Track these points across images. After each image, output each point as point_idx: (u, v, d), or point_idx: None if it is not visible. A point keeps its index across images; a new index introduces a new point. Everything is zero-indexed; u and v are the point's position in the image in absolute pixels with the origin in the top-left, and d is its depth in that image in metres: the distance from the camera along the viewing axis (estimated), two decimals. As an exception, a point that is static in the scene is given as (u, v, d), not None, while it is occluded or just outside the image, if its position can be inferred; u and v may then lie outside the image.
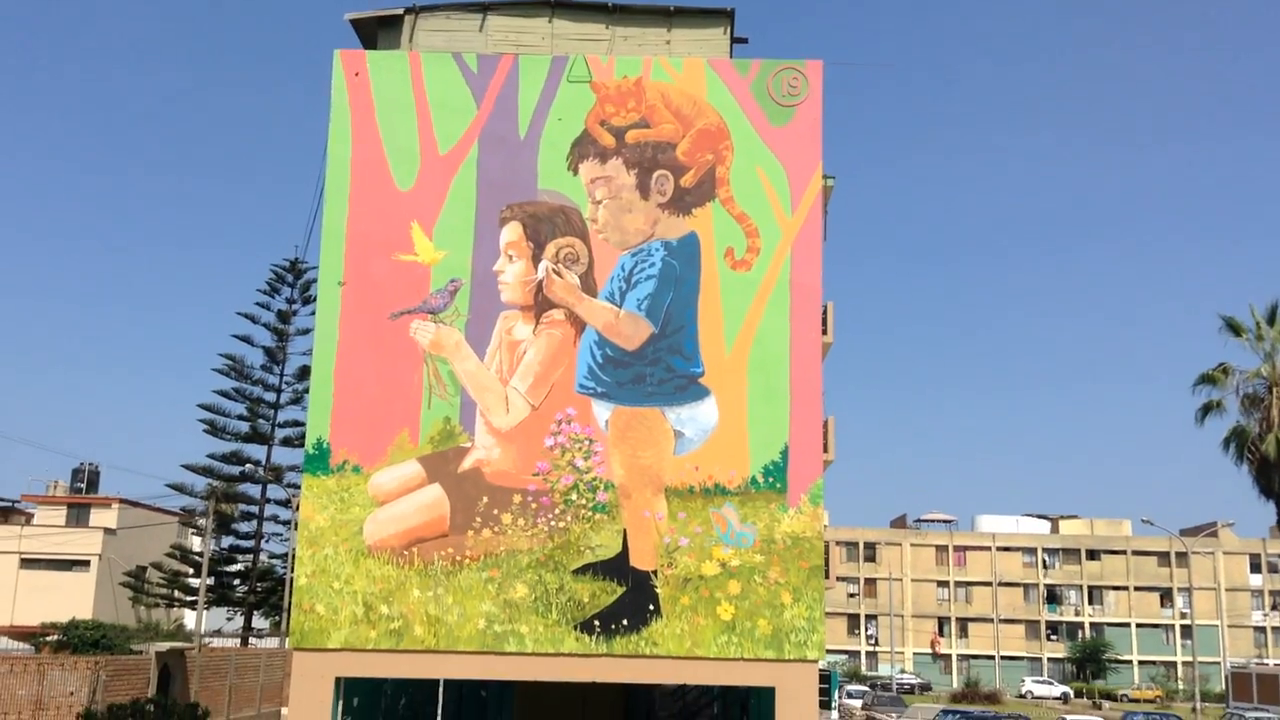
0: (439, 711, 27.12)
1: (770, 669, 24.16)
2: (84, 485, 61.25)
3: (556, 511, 24.69)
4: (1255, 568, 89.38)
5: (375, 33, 27.86)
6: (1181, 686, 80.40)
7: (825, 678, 32.08)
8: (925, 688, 79.93)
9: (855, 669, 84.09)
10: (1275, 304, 34.02)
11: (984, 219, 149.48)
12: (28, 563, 54.77)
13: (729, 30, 27.73)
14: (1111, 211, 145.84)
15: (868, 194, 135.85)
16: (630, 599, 24.31)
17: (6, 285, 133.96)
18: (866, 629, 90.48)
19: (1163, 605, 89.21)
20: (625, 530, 24.66)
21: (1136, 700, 75.71)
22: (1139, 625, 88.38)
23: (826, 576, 25.19)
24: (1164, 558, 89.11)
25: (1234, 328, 34.00)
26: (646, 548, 24.55)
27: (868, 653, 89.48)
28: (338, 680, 24.20)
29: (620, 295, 25.45)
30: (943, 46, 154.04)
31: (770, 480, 24.84)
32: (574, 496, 24.75)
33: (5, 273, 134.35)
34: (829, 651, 67.88)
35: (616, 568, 24.48)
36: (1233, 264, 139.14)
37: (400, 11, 27.52)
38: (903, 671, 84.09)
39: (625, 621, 24.18)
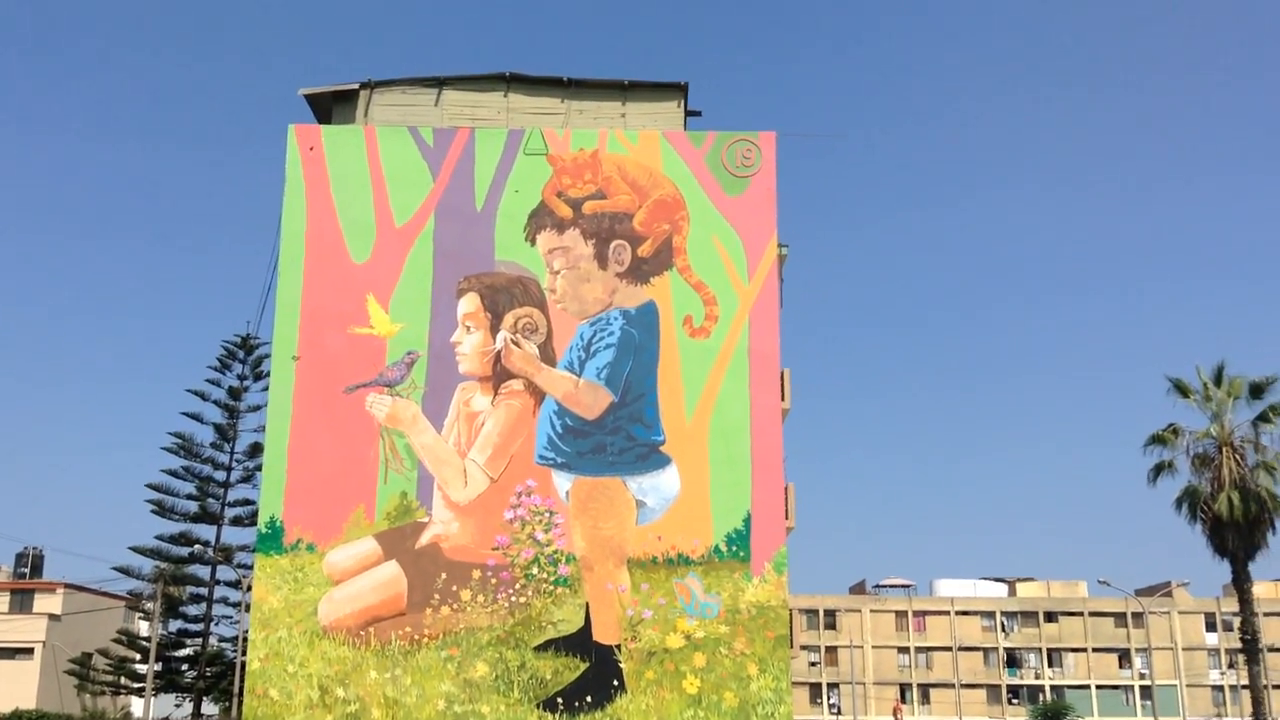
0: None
1: (738, 743, 23.74)
2: (27, 570, 59.52)
3: (517, 586, 24.31)
4: (1211, 626, 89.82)
5: (330, 107, 27.93)
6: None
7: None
8: (889, 756, 79.11)
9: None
10: (1221, 365, 34.48)
11: (936, 284, 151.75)
12: (-32, 651, 52.97)
13: (683, 103, 28.12)
14: (1062, 274, 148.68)
15: (822, 261, 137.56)
16: (594, 674, 23.89)
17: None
18: (829, 698, 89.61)
19: (1121, 666, 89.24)
20: (588, 604, 24.30)
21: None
22: (1099, 687, 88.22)
23: (791, 646, 24.95)
24: (1121, 618, 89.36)
25: (1181, 389, 34.38)
26: (610, 621, 24.19)
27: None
28: (293, 767, 23.44)
29: (579, 364, 25.38)
30: (893, 115, 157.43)
31: (734, 549, 24.66)
32: (535, 570, 24.41)
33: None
34: (792, 722, 67.02)
35: (579, 643, 24.08)
36: (1179, 325, 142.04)
37: (355, 86, 27.63)
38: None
39: (589, 698, 23.73)
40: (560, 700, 23.71)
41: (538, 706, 23.69)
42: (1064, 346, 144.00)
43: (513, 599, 24.23)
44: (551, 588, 24.35)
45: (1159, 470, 34.09)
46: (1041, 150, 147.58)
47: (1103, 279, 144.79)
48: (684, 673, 23.96)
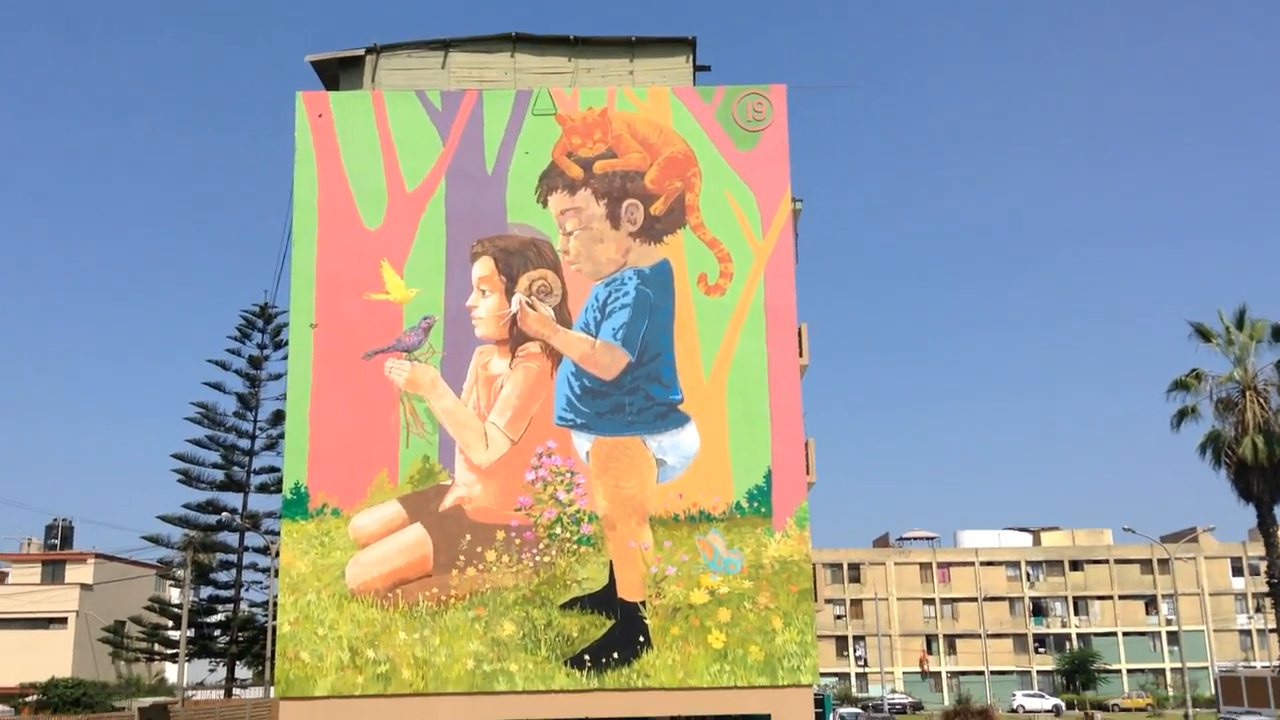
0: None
1: (764, 696, 23.96)
2: (58, 541, 60.36)
3: (541, 546, 24.47)
4: (1237, 571, 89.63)
5: (337, 74, 27.80)
6: (1171, 693, 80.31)
7: (819, 702, 31.81)
8: (917, 707, 79.51)
9: (846, 691, 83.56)
10: (1243, 308, 34.22)
11: (955, 235, 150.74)
12: (3, 622, 53.73)
13: (691, 58, 27.85)
14: (1081, 222, 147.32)
15: (837, 214, 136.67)
16: (620, 631, 24.09)
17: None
18: (855, 650, 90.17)
19: (1148, 613, 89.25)
20: (611, 562, 24.46)
21: (1128, 710, 75.60)
22: (1125, 634, 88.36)
23: (815, 599, 25.06)
24: (1146, 565, 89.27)
25: (1203, 334, 34.15)
26: (634, 578, 24.36)
27: (857, 674, 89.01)
28: (326, 729, 23.79)
29: (595, 325, 25.38)
30: (905, 65, 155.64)
31: (755, 505, 24.73)
32: (558, 530, 24.56)
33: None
34: (821, 675, 67.20)
35: (604, 600, 24.27)
36: (1200, 270, 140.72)
37: (361, 52, 27.47)
38: (893, 692, 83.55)
39: (616, 654, 23.95)
40: (588, 657, 23.93)
41: (565, 664, 23.92)
42: (1084, 294, 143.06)
43: (537, 559, 24.40)
44: (575, 547, 24.50)
45: (1182, 416, 33.95)
46: (1059, 101, 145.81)
47: (1122, 226, 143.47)
48: (709, 628, 24.13)
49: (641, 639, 24.02)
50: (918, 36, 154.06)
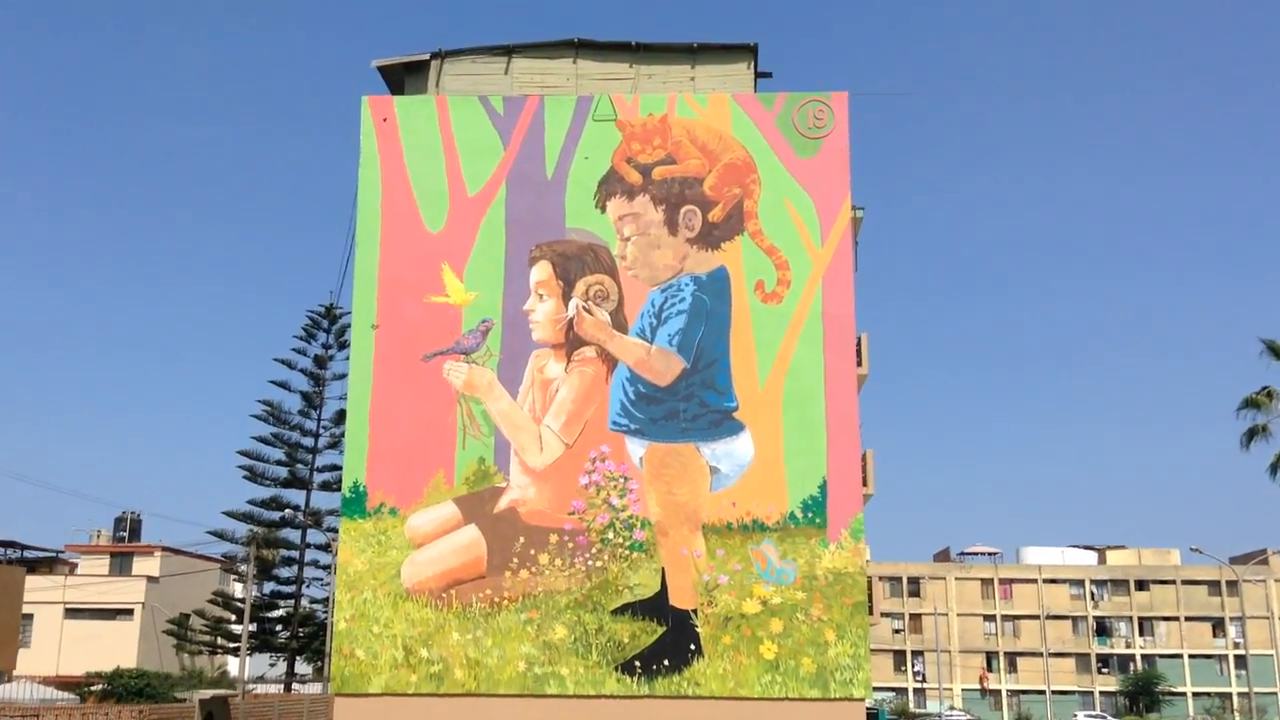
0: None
1: (816, 709, 23.73)
2: (126, 534, 61.72)
3: (593, 551, 24.52)
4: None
5: (402, 78, 28.18)
6: (1238, 718, 78.37)
7: (873, 716, 31.56)
8: (976, 724, 78.45)
9: (904, 707, 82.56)
10: (1318, 325, 33.30)
11: (1023, 248, 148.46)
12: (72, 612, 55.13)
13: (752, 65, 27.80)
14: (1151, 239, 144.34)
15: (901, 223, 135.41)
16: (671, 639, 24.04)
17: (47, 336, 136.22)
18: (913, 665, 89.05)
19: (1215, 635, 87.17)
20: (663, 569, 24.43)
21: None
22: (1191, 656, 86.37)
23: (870, 612, 24.80)
24: (1214, 586, 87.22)
25: (1275, 351, 33.43)
26: (686, 586, 24.30)
27: (916, 690, 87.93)
28: (380, 726, 24.04)
29: (651, 331, 25.39)
30: (970, 72, 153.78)
31: (809, 515, 24.54)
32: (610, 535, 24.59)
33: (45, 324, 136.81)
34: (876, 689, 66.61)
35: (656, 607, 24.24)
36: (1271, 287, 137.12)
37: (426, 57, 27.83)
38: (952, 708, 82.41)
39: (666, 662, 23.90)
40: (638, 663, 23.90)
41: (616, 669, 23.92)
42: (1153, 310, 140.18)
43: (589, 563, 24.44)
44: (627, 552, 24.51)
45: (1252, 434, 33.22)
46: (1122, 113, 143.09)
47: (1194, 242, 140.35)
48: (761, 638, 23.97)
49: (693, 647, 23.96)
50: (982, 43, 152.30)
